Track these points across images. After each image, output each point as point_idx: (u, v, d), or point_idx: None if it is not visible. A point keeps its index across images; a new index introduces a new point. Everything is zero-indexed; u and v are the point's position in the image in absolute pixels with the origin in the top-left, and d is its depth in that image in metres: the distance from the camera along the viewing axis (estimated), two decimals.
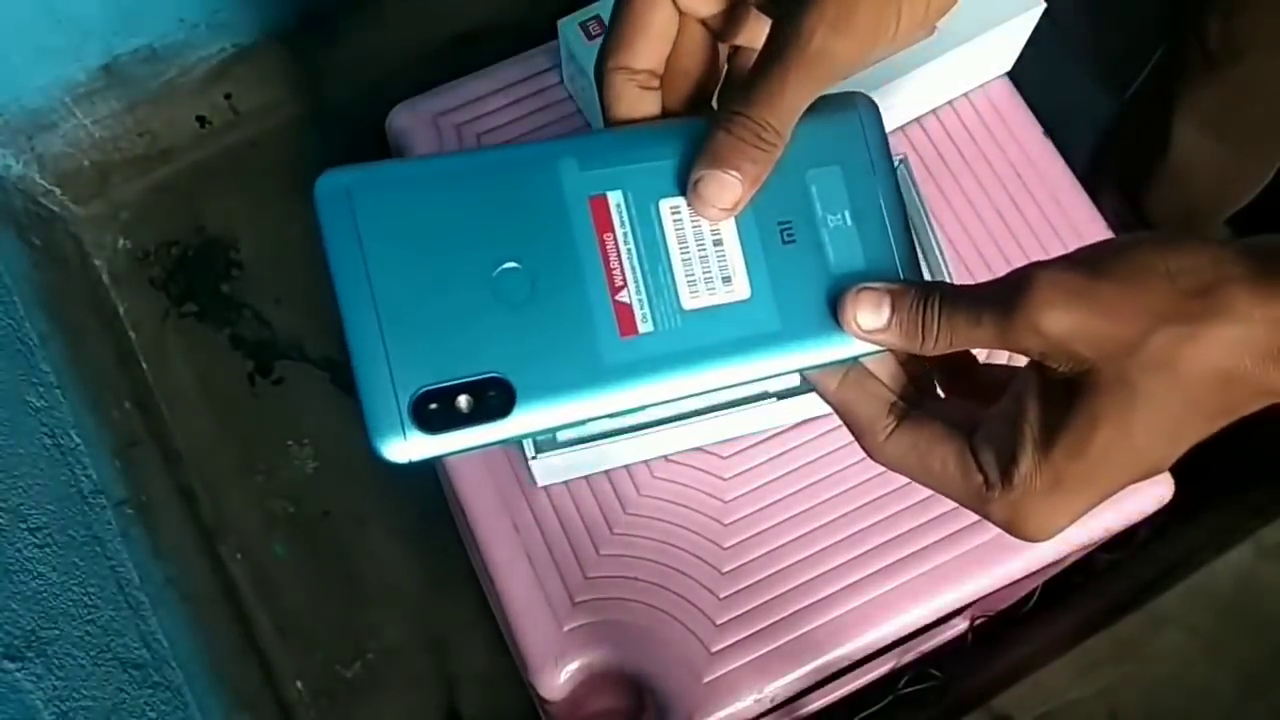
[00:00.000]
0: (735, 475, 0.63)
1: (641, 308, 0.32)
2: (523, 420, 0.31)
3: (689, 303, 0.33)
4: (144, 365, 1.03)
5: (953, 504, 0.34)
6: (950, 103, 0.71)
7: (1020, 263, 0.31)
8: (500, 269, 0.32)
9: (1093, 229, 0.68)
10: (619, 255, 0.32)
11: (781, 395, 0.61)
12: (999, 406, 0.33)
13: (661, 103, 0.35)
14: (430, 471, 0.86)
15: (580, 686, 0.60)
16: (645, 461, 0.63)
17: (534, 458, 0.59)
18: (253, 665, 0.95)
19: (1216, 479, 0.80)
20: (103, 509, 0.87)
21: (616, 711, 0.66)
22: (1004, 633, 0.86)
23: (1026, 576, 0.63)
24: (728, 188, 0.33)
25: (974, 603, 0.63)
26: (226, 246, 1.07)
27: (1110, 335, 0.29)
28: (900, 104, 0.68)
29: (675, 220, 0.33)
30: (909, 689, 0.85)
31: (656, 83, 0.35)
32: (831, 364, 0.34)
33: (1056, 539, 0.33)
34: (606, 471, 0.63)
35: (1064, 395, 0.31)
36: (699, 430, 0.61)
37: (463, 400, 0.30)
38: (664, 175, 0.33)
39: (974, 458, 0.32)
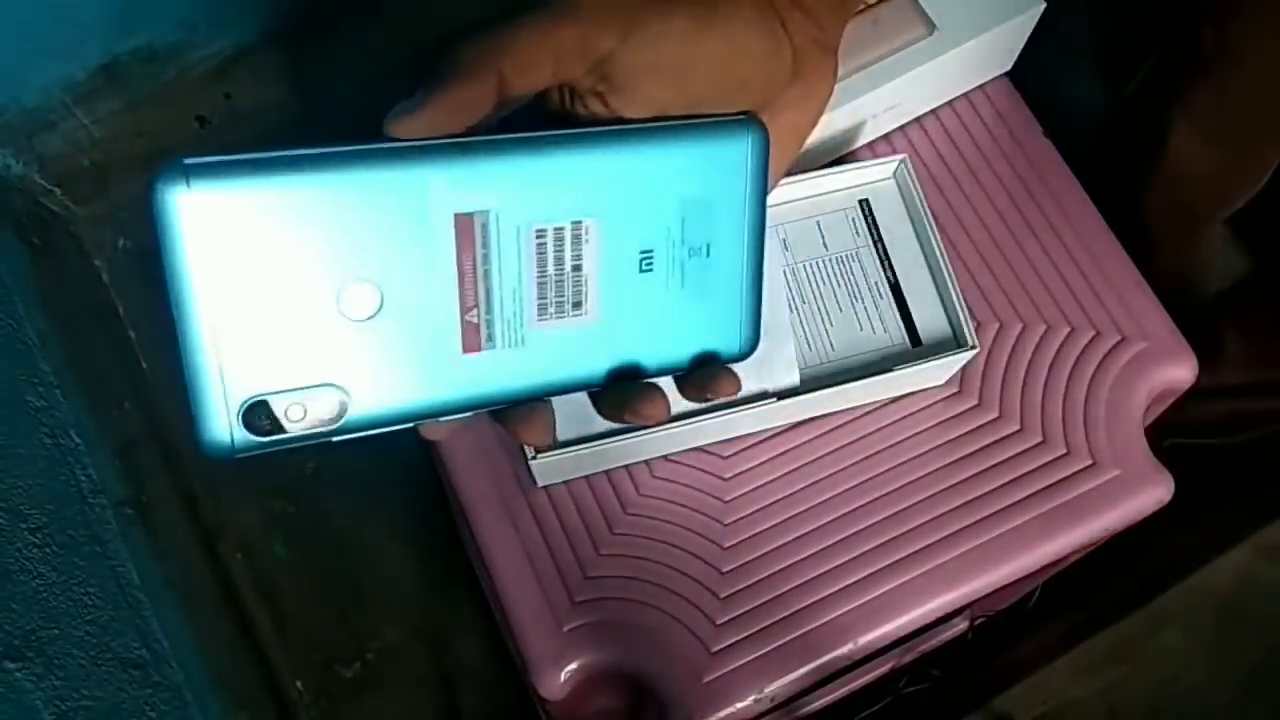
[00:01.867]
0: (735, 475, 0.63)
1: (488, 327, 0.33)
2: (352, 426, 0.32)
3: (535, 325, 0.34)
4: (144, 365, 1.03)
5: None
6: (950, 103, 0.71)
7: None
8: (348, 282, 0.31)
9: (1093, 229, 0.68)
10: (474, 275, 0.33)
11: (781, 395, 0.61)
12: None
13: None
14: (430, 471, 0.86)
15: (580, 686, 0.60)
16: (645, 461, 0.63)
17: (534, 458, 0.59)
18: (253, 665, 0.95)
19: (1216, 479, 0.80)
20: (103, 509, 0.87)
21: (616, 711, 0.66)
22: (1004, 633, 0.86)
23: (1026, 576, 0.63)
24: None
25: (974, 603, 0.63)
26: None
27: None
28: (900, 104, 0.68)
29: (539, 244, 0.33)
30: (909, 689, 0.85)
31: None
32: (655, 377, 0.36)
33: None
34: (606, 471, 0.63)
35: None
36: (699, 430, 0.61)
37: (294, 409, 0.31)
38: (537, 196, 0.33)
39: None
